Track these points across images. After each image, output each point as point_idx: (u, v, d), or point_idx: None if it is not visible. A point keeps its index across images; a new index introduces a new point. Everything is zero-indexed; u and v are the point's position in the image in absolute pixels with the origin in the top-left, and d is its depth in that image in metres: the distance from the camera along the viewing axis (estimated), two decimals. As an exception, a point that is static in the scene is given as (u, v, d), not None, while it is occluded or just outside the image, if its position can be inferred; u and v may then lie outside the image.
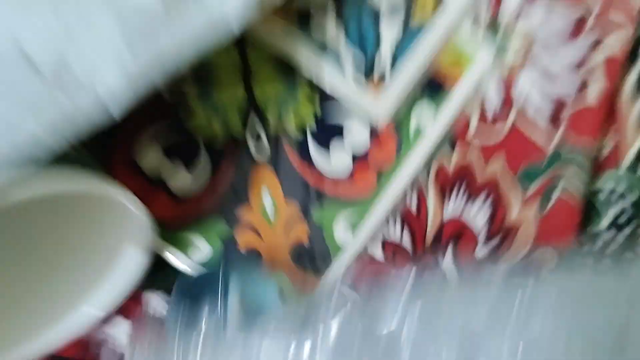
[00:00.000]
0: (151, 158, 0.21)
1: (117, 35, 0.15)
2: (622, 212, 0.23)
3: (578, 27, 0.22)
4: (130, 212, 0.18)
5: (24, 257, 0.19)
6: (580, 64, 0.22)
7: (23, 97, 0.15)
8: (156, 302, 0.21)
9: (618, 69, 0.22)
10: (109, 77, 0.15)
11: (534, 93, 0.23)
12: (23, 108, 0.15)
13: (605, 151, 0.23)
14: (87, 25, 0.15)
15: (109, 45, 0.15)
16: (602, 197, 0.23)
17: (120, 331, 0.21)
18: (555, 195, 0.22)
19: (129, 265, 0.20)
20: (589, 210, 0.23)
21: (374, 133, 0.22)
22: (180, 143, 0.21)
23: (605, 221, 0.23)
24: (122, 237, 0.19)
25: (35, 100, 0.15)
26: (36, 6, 0.15)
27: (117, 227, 0.19)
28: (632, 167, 0.23)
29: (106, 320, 0.21)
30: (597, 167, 0.23)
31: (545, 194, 0.22)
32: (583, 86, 0.22)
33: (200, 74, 0.21)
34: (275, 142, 0.21)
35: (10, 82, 0.15)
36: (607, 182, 0.23)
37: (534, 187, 0.22)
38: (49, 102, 0.15)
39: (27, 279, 0.19)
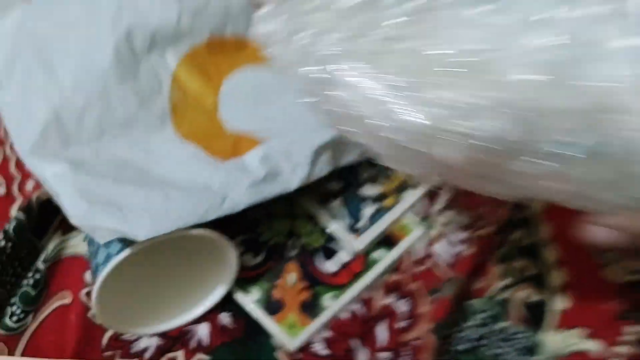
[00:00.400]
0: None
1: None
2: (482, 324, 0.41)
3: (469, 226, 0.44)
4: (229, 258, 0.38)
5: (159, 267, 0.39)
6: (465, 241, 0.43)
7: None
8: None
9: (486, 243, 0.43)
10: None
11: (442, 252, 0.43)
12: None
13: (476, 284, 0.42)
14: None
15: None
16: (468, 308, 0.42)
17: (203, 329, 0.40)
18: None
19: (220, 289, 0.39)
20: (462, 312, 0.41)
21: (354, 256, 0.43)
22: (253, 241, 0.43)
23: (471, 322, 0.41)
24: (219, 272, 0.39)
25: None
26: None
27: (217, 265, 0.39)
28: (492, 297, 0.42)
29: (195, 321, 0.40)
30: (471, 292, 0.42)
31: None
32: (469, 247, 0.43)
33: (269, 212, 0.44)
34: (301, 250, 0.43)
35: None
36: (475, 303, 0.42)
37: (434, 297, 0.41)
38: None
39: (161, 282, 0.39)
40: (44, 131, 0.38)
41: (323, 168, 0.40)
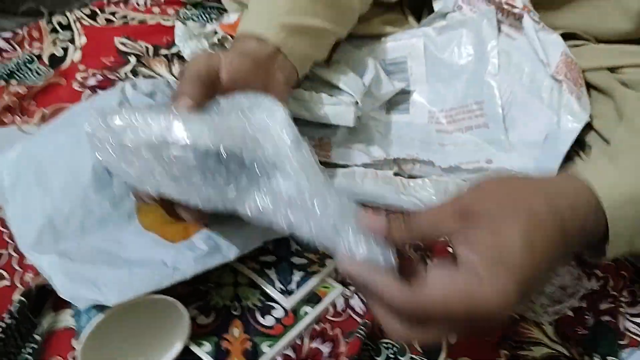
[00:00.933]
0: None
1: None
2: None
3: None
4: (183, 318, 0.50)
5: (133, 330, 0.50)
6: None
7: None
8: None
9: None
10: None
11: (356, 305, 0.55)
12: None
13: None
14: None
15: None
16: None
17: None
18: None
19: (178, 344, 0.51)
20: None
21: (285, 312, 0.55)
22: (205, 306, 0.54)
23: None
24: (176, 333, 0.51)
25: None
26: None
27: (175, 326, 0.50)
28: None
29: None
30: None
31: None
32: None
33: (218, 282, 0.56)
34: (242, 310, 0.54)
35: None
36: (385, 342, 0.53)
37: (349, 339, 0.53)
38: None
39: (135, 346, 0.50)
40: (40, 232, 0.51)
41: (254, 243, 0.53)
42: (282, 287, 0.56)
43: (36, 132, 0.63)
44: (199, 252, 0.51)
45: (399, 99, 0.74)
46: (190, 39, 0.72)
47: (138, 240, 0.52)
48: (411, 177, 0.67)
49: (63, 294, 0.46)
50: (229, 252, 0.51)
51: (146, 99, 0.63)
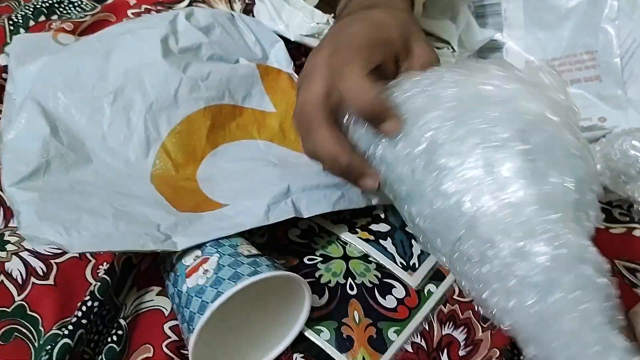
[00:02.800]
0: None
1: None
2: None
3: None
4: (303, 298, 0.41)
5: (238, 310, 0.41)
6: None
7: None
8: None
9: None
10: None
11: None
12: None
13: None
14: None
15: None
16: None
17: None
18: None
19: (295, 330, 0.42)
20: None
21: (407, 291, 0.46)
22: (314, 284, 0.46)
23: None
24: (293, 314, 0.42)
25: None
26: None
27: (290, 307, 0.42)
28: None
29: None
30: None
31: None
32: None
33: (323, 255, 0.47)
34: (360, 288, 0.46)
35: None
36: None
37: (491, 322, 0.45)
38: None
39: (236, 326, 0.42)
40: (35, 170, 0.43)
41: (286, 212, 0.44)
42: (402, 261, 0.47)
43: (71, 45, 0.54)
44: (200, 226, 0.43)
45: (491, 46, 0.66)
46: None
47: (140, 196, 0.44)
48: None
49: (22, 230, 0.39)
50: (246, 219, 0.43)
51: (200, 34, 0.54)
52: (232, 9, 0.66)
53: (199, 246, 0.41)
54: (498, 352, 0.41)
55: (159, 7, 0.64)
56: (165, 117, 0.50)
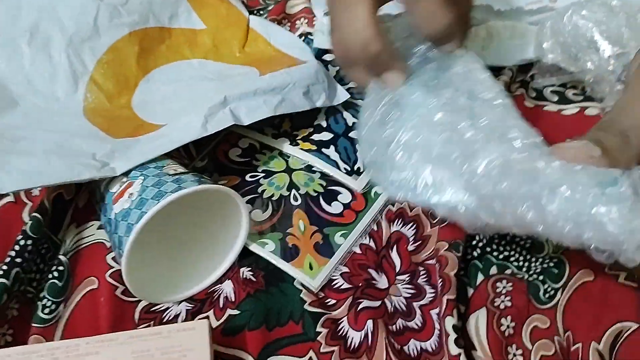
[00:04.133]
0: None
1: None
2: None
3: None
4: (241, 213, 0.40)
5: (172, 232, 0.41)
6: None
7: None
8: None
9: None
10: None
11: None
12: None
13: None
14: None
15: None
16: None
17: (227, 286, 0.42)
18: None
19: (237, 246, 0.41)
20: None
21: (353, 196, 0.45)
22: (258, 199, 0.45)
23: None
24: (234, 230, 0.41)
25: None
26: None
27: (230, 223, 0.41)
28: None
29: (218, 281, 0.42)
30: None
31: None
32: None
33: (266, 171, 0.46)
34: (304, 199, 0.45)
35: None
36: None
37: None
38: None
39: (173, 248, 0.41)
40: None
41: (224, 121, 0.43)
42: (346, 167, 0.46)
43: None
44: (138, 148, 0.41)
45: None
46: None
47: (73, 131, 0.43)
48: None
49: None
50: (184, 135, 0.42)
51: None
52: None
53: (126, 173, 0.39)
54: (447, 245, 0.40)
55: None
56: (88, 48, 0.48)
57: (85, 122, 0.44)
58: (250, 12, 0.58)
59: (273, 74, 0.46)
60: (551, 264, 0.41)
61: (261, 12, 0.59)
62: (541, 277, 0.40)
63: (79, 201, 0.44)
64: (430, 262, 0.41)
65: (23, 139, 0.42)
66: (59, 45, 0.47)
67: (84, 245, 0.43)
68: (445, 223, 0.42)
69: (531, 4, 0.57)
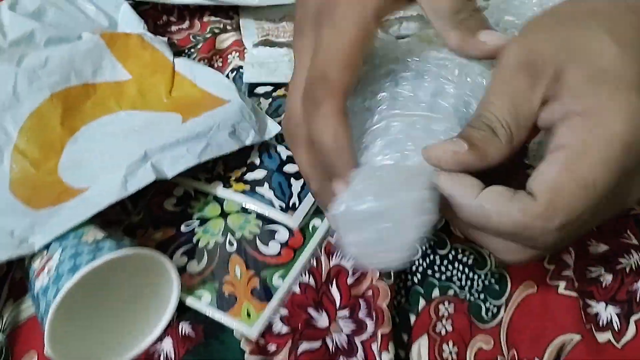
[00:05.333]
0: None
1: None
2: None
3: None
4: (168, 271, 0.40)
5: (106, 298, 0.40)
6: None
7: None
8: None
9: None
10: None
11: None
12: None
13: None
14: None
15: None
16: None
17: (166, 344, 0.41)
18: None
19: (171, 303, 0.41)
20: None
21: (291, 233, 0.44)
22: (192, 250, 0.44)
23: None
24: (166, 287, 0.41)
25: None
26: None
27: (161, 282, 0.40)
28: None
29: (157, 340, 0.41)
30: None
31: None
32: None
33: (201, 219, 0.45)
34: (239, 243, 0.44)
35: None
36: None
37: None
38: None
39: (107, 313, 0.40)
40: None
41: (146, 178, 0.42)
42: (281, 203, 0.45)
43: None
44: (58, 218, 0.40)
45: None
46: None
47: None
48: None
49: None
50: (101, 199, 0.41)
51: (29, 21, 0.51)
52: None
53: (47, 245, 0.39)
54: (378, 274, 0.39)
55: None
56: (10, 117, 0.47)
57: (9, 196, 0.44)
58: (181, 52, 0.57)
59: (195, 119, 0.45)
60: (492, 281, 0.40)
61: (192, 49, 0.58)
62: (482, 296, 0.39)
63: (15, 274, 0.44)
64: (369, 293, 0.40)
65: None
66: (-22, 117, 0.47)
67: (23, 319, 0.42)
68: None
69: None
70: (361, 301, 0.40)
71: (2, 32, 0.50)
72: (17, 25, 0.50)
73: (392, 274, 0.40)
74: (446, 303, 0.40)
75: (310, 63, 0.33)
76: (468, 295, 0.39)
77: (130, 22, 0.54)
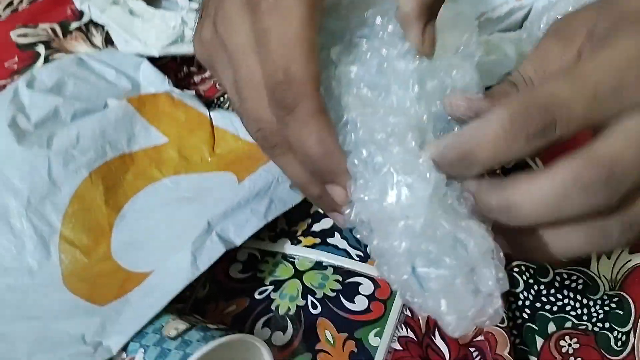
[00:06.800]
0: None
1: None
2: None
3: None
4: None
5: None
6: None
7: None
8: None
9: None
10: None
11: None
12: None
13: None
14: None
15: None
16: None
17: None
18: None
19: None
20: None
21: (375, 283, 0.41)
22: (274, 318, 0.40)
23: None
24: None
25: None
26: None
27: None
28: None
29: None
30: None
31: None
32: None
33: (274, 282, 0.42)
34: (323, 302, 0.40)
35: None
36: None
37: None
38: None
39: None
40: None
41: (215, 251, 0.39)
42: (358, 252, 0.41)
43: None
44: (129, 312, 0.37)
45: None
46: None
47: (54, 309, 0.39)
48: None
49: None
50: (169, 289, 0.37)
51: (51, 97, 0.47)
52: (92, 44, 0.59)
53: (124, 347, 0.35)
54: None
55: (14, 77, 0.57)
56: (50, 205, 0.44)
57: (66, 293, 0.40)
58: (210, 103, 0.54)
59: (251, 176, 0.42)
60: (613, 305, 0.36)
61: (221, 98, 0.55)
62: (607, 324, 0.36)
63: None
64: (479, 338, 0.37)
65: (1, 337, 0.37)
66: (18, 212, 0.43)
67: None
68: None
69: (497, 10, 0.53)
70: (472, 349, 0.37)
71: (25, 114, 0.46)
72: (39, 104, 0.47)
73: (502, 315, 0.36)
74: (568, 337, 0.36)
75: (262, 59, 0.27)
76: (589, 325, 0.36)
77: (154, 81, 0.51)
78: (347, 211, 0.29)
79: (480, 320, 0.25)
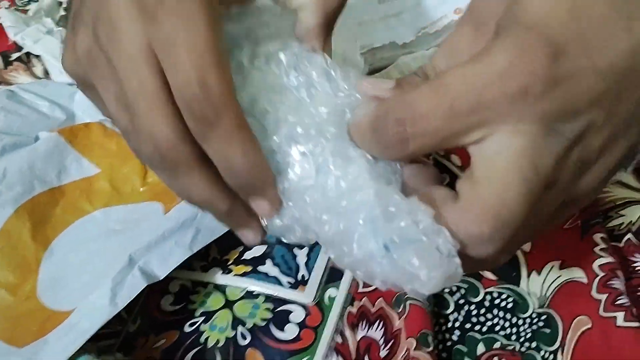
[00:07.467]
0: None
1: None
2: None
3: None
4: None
5: None
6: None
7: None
8: None
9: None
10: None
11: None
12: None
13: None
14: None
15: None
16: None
17: None
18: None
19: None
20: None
21: (306, 310, 0.40)
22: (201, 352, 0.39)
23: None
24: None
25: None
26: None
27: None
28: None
29: None
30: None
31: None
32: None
33: (204, 313, 0.41)
34: (253, 333, 0.39)
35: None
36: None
37: (402, 307, 0.38)
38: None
39: None
40: None
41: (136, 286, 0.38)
42: (289, 279, 0.41)
43: None
44: (46, 354, 0.36)
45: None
46: (26, 24, 0.53)
47: None
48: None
49: None
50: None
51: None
52: (33, 75, 0.58)
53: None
54: (415, 342, 0.35)
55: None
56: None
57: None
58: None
59: (177, 206, 0.41)
60: (540, 323, 0.36)
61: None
62: (534, 344, 0.35)
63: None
64: (407, 362, 0.36)
65: None
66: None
67: None
68: (407, 313, 0.36)
69: (436, 24, 0.53)
70: (401, 374, 0.36)
71: (-50, 154, 0.45)
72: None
73: (429, 338, 0.35)
74: (496, 359, 0.35)
75: (169, 70, 0.25)
76: (518, 345, 0.35)
77: (88, 110, 0.50)
78: (271, 221, 0.29)
79: (448, 275, 0.24)
